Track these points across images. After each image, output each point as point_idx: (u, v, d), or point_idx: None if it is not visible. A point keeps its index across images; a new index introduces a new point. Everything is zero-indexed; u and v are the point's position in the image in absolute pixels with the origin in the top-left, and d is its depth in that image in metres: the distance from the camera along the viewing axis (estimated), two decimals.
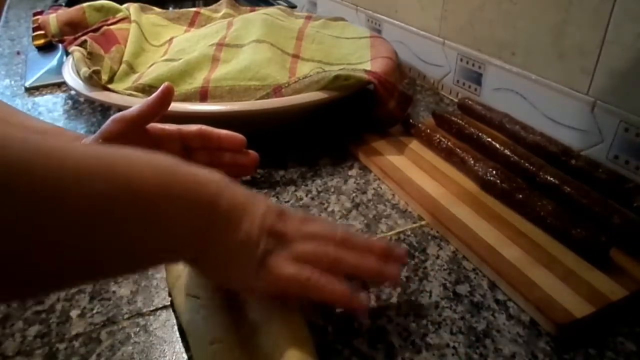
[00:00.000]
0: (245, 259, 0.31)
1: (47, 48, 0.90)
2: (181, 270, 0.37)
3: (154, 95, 0.44)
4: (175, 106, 0.53)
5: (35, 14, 1.06)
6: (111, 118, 0.43)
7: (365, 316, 0.35)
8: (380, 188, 0.52)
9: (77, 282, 0.27)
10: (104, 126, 0.43)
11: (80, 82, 0.60)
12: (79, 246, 0.23)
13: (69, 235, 0.22)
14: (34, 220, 0.21)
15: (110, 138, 0.43)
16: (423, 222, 0.47)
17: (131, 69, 0.67)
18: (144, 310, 0.37)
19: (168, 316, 0.37)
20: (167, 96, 0.44)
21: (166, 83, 0.45)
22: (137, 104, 0.44)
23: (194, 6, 1.22)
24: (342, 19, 0.86)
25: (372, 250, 0.34)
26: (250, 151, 0.49)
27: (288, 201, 0.50)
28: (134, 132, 0.44)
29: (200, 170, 0.30)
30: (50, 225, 0.21)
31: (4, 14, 1.24)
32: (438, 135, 0.55)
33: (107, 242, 0.24)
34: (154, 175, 0.27)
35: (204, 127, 0.48)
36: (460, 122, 0.58)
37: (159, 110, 0.44)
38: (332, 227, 0.35)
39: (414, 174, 0.52)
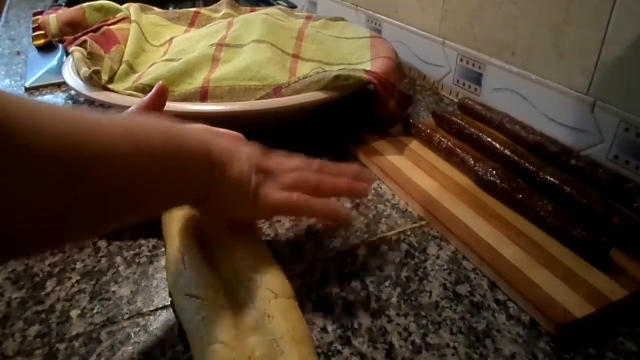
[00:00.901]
0: (242, 191, 0.37)
1: (47, 48, 0.90)
2: (181, 270, 0.37)
3: (148, 95, 0.44)
4: (175, 106, 0.54)
5: (35, 14, 1.06)
6: None
7: (349, 222, 0.45)
8: (380, 188, 0.52)
9: (114, 223, 0.31)
10: None
11: (80, 82, 0.59)
12: (115, 195, 0.27)
13: (108, 187, 0.26)
14: (81, 177, 0.25)
15: None
16: (423, 222, 0.47)
17: (131, 69, 0.67)
18: (144, 310, 0.37)
19: (168, 316, 0.37)
20: (162, 95, 0.44)
21: (160, 82, 0.45)
22: (136, 103, 0.44)
23: (194, 6, 1.21)
24: (342, 19, 0.86)
25: (345, 174, 0.42)
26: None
27: None
28: None
29: (192, 126, 0.37)
30: (94, 177, 0.25)
31: (4, 14, 1.24)
32: (438, 135, 0.55)
33: (135, 192, 0.29)
34: (162, 137, 0.31)
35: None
36: (460, 122, 0.58)
37: (154, 110, 0.44)
38: (309, 160, 0.42)
39: (414, 174, 0.52)
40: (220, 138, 0.38)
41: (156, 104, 0.44)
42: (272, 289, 0.34)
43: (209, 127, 0.40)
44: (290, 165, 0.41)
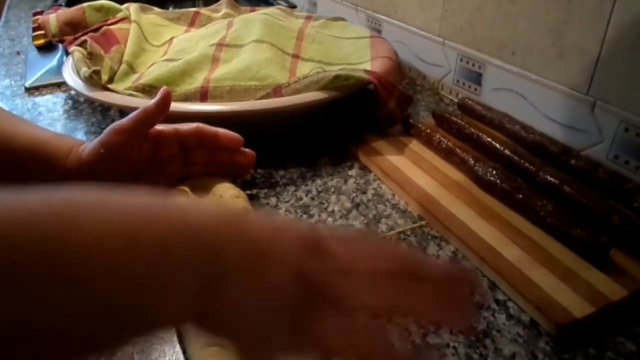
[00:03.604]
0: (273, 317, 0.22)
1: (47, 48, 0.90)
2: None
3: (152, 101, 0.44)
4: (175, 106, 0.53)
5: (35, 14, 1.06)
6: (110, 128, 0.43)
7: None
8: (380, 188, 0.52)
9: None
10: (104, 136, 0.43)
11: (80, 82, 0.59)
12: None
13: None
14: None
15: (111, 149, 0.43)
16: (423, 222, 0.47)
17: (131, 69, 0.67)
18: None
19: None
20: (166, 101, 0.45)
21: (164, 88, 0.45)
22: (136, 103, 0.44)
23: (194, 6, 1.22)
24: (342, 19, 0.86)
25: (439, 282, 0.26)
26: (247, 150, 0.49)
27: (288, 201, 0.50)
28: (133, 140, 0.44)
29: (199, 206, 0.23)
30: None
31: (4, 14, 1.24)
32: (438, 135, 0.55)
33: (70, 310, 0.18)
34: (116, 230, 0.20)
35: (201, 125, 0.48)
36: (460, 122, 0.58)
37: (158, 115, 0.44)
38: (387, 253, 0.26)
39: (414, 174, 0.52)
40: (256, 230, 0.23)
41: (160, 109, 0.44)
42: None
43: (235, 210, 0.25)
44: (359, 267, 0.24)
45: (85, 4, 0.82)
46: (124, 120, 0.43)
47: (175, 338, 0.35)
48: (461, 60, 0.71)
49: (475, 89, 0.69)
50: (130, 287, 0.19)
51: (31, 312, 0.17)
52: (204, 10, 0.90)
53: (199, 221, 0.22)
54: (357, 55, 0.71)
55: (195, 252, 0.21)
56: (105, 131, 0.43)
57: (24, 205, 0.18)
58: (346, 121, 0.63)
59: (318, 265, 0.23)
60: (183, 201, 0.24)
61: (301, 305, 0.22)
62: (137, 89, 0.60)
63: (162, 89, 0.44)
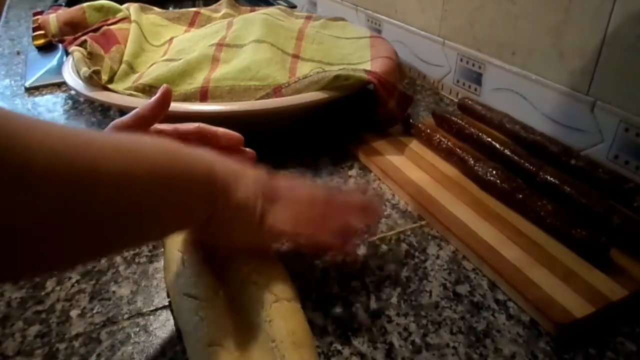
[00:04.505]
0: (247, 217, 0.34)
1: (47, 48, 0.90)
2: (180, 269, 0.36)
3: (153, 98, 0.44)
4: (175, 106, 0.53)
5: (35, 14, 1.06)
6: (112, 125, 0.43)
7: (356, 258, 0.42)
8: (380, 188, 0.52)
9: (115, 246, 0.30)
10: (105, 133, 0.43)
11: (80, 82, 0.59)
12: (112, 215, 0.26)
13: (105, 206, 0.25)
14: (75, 194, 0.23)
15: None
16: (423, 222, 0.47)
17: (131, 69, 0.67)
18: (144, 310, 0.37)
19: (168, 316, 0.37)
20: (166, 99, 0.44)
21: (165, 85, 0.45)
22: (136, 103, 0.44)
23: (194, 6, 1.22)
24: (342, 19, 0.86)
25: (352, 207, 0.40)
26: (248, 149, 0.49)
27: None
28: None
29: (195, 149, 0.34)
30: (89, 194, 0.24)
31: (4, 14, 1.24)
32: (438, 135, 0.55)
33: (134, 212, 0.27)
34: (162, 157, 0.30)
35: (201, 125, 0.48)
36: (460, 122, 0.58)
37: (158, 113, 0.44)
38: (315, 190, 0.40)
39: (414, 174, 0.52)
40: (225, 160, 0.35)
41: (160, 107, 0.44)
42: (273, 291, 0.34)
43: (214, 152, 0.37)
44: (299, 193, 0.39)
45: (85, 4, 0.82)
46: (125, 118, 0.43)
47: (175, 338, 0.35)
48: (461, 60, 0.71)
49: (475, 89, 0.69)
50: (161, 193, 0.29)
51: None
52: (204, 10, 0.90)
53: (199, 158, 0.33)
54: (357, 55, 0.71)
55: (200, 178, 0.32)
56: (105, 130, 0.43)
57: (95, 144, 0.26)
58: (346, 121, 0.63)
59: (272, 185, 0.37)
60: (190, 149, 0.33)
61: (262, 208, 0.35)
62: (137, 89, 0.60)
63: (162, 86, 0.44)
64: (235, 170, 0.35)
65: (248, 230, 0.35)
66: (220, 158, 0.35)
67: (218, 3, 0.95)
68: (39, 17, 0.92)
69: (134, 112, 0.44)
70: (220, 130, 0.48)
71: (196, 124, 0.48)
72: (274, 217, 0.35)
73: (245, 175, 0.35)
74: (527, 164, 0.49)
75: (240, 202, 0.34)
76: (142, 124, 0.44)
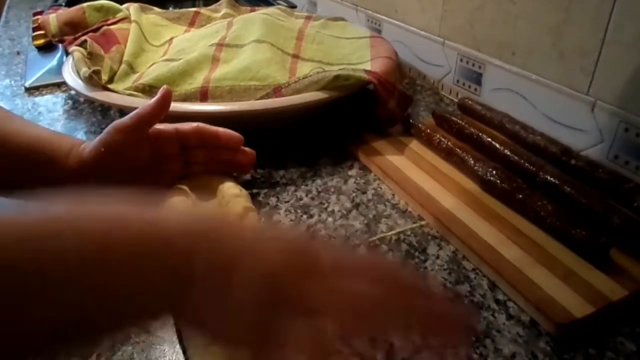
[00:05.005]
0: (234, 317, 0.23)
1: (47, 48, 0.90)
2: None
3: (153, 100, 0.44)
4: (175, 106, 0.53)
5: (35, 14, 1.06)
6: (112, 126, 0.43)
7: None
8: (380, 188, 0.52)
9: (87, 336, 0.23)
10: (104, 134, 0.43)
11: (80, 82, 0.59)
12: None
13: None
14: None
15: (112, 147, 0.43)
16: (423, 222, 0.47)
17: (131, 69, 0.67)
18: None
19: (168, 316, 0.37)
20: (167, 100, 0.45)
21: (165, 86, 0.45)
22: (136, 103, 0.44)
23: (194, 6, 1.21)
24: (342, 19, 0.86)
25: (435, 310, 0.25)
26: (248, 149, 0.49)
27: (288, 201, 0.50)
28: (135, 138, 0.44)
29: (172, 214, 0.25)
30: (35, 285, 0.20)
31: (4, 14, 1.24)
32: (438, 135, 0.55)
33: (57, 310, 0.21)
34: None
35: (201, 124, 0.48)
36: (460, 122, 0.58)
37: (159, 114, 0.45)
38: (390, 279, 0.25)
39: (414, 174, 0.52)
40: (228, 239, 0.24)
41: (161, 108, 0.44)
42: None
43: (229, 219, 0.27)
44: (350, 295, 0.24)
45: (85, 4, 0.82)
46: (125, 119, 0.44)
47: (175, 338, 0.35)
48: (461, 60, 0.71)
49: (475, 89, 0.69)
50: (108, 289, 0.22)
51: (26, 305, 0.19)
52: (204, 10, 0.90)
53: (170, 229, 0.24)
54: (357, 55, 0.71)
55: (165, 258, 0.23)
56: (106, 130, 0.43)
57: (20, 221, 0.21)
58: (346, 121, 0.63)
59: (300, 286, 0.23)
60: (158, 210, 0.25)
61: (267, 309, 0.23)
62: (137, 89, 0.60)
63: (162, 87, 0.45)
64: (236, 253, 0.23)
65: (236, 329, 0.24)
66: (226, 227, 0.25)
67: (218, 3, 0.95)
68: (39, 17, 0.92)
69: (134, 112, 0.44)
70: (221, 129, 0.48)
71: (196, 124, 0.48)
72: (285, 331, 0.23)
73: (253, 263, 0.23)
74: (527, 164, 0.49)
75: (230, 302, 0.23)
76: (142, 124, 0.44)
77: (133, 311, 0.23)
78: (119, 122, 0.44)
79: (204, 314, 0.23)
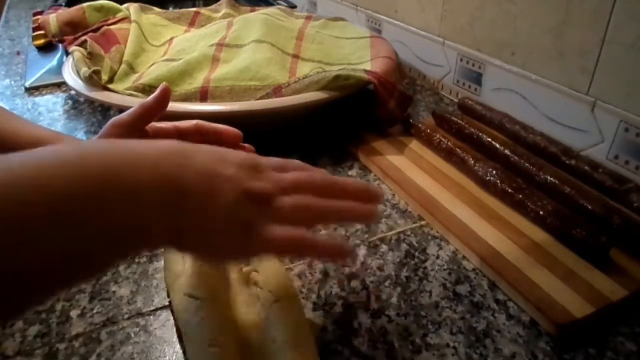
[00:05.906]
0: (228, 230, 0.28)
1: (47, 48, 0.90)
2: (180, 270, 0.36)
3: (151, 96, 0.44)
4: (175, 106, 0.54)
5: (35, 14, 1.06)
6: (110, 122, 0.43)
7: (354, 260, 0.41)
8: (380, 188, 0.52)
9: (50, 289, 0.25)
10: (103, 130, 0.43)
11: (80, 82, 0.60)
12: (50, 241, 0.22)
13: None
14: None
15: None
16: (423, 222, 0.47)
17: (131, 69, 0.67)
18: (144, 310, 0.37)
19: (168, 316, 0.37)
20: (165, 97, 0.44)
21: (164, 84, 0.45)
22: (136, 103, 0.44)
23: (194, 6, 1.22)
24: (342, 19, 0.86)
25: (349, 192, 0.33)
26: (247, 145, 0.49)
27: None
28: (132, 135, 0.44)
29: (157, 145, 0.28)
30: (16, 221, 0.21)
31: (4, 14, 1.24)
32: (438, 135, 0.55)
33: (73, 235, 0.23)
34: (101, 170, 0.25)
35: (200, 121, 0.48)
36: (460, 122, 0.58)
37: (157, 111, 0.44)
38: (307, 174, 0.33)
39: (414, 174, 0.52)
40: (198, 156, 0.29)
41: (159, 105, 0.44)
42: (273, 291, 0.34)
43: (184, 144, 0.30)
44: (287, 181, 0.31)
45: (85, 4, 0.82)
46: (123, 115, 0.44)
47: (175, 338, 0.35)
48: (461, 60, 0.71)
49: (475, 89, 0.69)
50: (110, 215, 0.24)
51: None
52: (204, 10, 0.90)
53: (152, 155, 0.27)
54: (357, 55, 0.71)
55: (157, 180, 0.26)
56: (105, 126, 0.43)
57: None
58: (346, 121, 0.63)
59: (254, 181, 0.29)
60: (135, 143, 0.28)
61: (245, 217, 0.28)
62: (137, 89, 0.60)
63: (161, 85, 0.44)
64: (208, 172, 0.28)
65: (232, 244, 0.29)
66: (191, 154, 0.29)
67: (218, 3, 0.95)
68: (39, 17, 0.92)
69: (132, 109, 0.44)
70: (220, 126, 0.48)
71: (195, 121, 0.48)
72: (260, 225, 0.28)
73: (221, 177, 0.28)
74: (527, 164, 0.49)
75: (218, 212, 0.27)
76: (140, 121, 0.44)
77: (135, 236, 0.26)
78: (117, 118, 0.44)
79: (195, 230, 0.27)
